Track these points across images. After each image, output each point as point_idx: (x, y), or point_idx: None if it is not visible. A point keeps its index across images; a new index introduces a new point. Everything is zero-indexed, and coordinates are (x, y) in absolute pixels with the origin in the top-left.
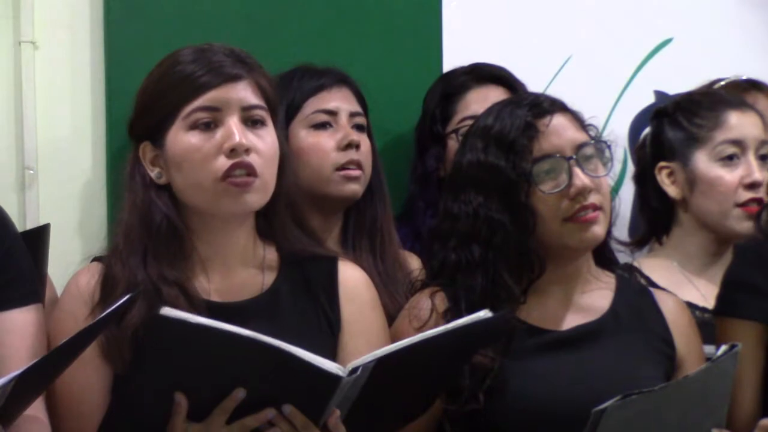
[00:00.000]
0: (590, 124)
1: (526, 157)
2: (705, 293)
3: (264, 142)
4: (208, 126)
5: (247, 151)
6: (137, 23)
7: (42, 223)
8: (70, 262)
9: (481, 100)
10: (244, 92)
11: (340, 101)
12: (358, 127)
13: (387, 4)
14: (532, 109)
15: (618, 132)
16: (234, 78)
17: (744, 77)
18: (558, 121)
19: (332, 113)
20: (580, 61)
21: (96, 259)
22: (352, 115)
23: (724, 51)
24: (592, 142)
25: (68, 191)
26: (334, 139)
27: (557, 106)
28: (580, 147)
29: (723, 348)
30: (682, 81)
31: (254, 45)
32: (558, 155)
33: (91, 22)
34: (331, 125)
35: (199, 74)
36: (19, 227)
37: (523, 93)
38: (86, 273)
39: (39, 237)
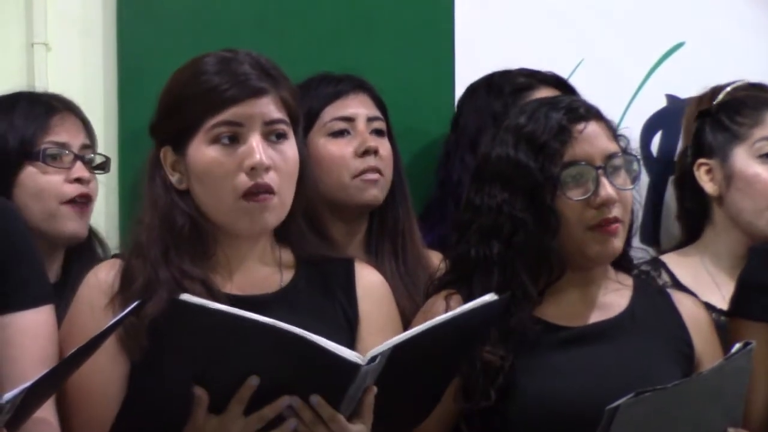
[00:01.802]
0: (621, 135)
1: (555, 161)
2: (726, 296)
3: (284, 158)
4: (230, 140)
5: (267, 169)
6: (150, 25)
7: None
8: None
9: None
10: (268, 107)
11: (357, 107)
12: (377, 132)
13: (399, 9)
14: (568, 113)
15: (630, 136)
16: (258, 93)
17: (741, 82)
18: (592, 128)
19: (350, 120)
20: (591, 64)
21: (115, 255)
22: (370, 120)
23: (736, 54)
24: (622, 154)
25: None
26: (352, 146)
27: (592, 113)
28: (609, 157)
29: (737, 346)
30: (694, 85)
31: (266, 49)
32: (587, 163)
33: (103, 23)
34: (349, 132)
35: (224, 88)
36: None
37: (559, 96)
38: (106, 266)
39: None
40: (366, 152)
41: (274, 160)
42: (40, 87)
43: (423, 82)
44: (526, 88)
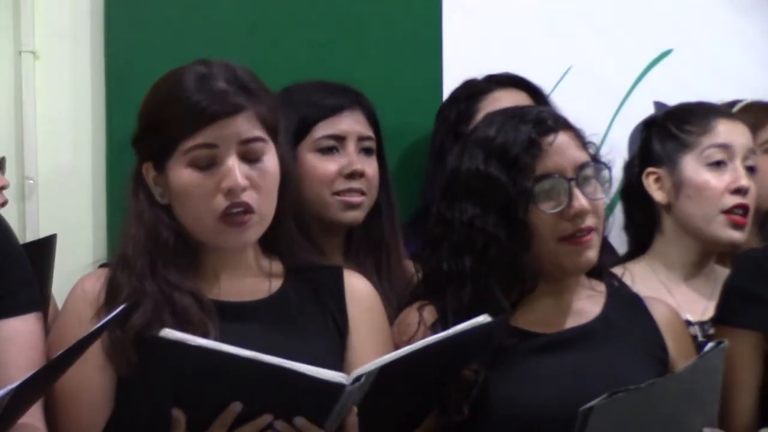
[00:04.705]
0: (590, 142)
1: (528, 175)
2: (681, 303)
3: (262, 175)
4: (207, 162)
5: (245, 189)
6: (138, 33)
7: (42, 233)
8: (71, 272)
9: (503, 99)
10: (243, 126)
11: (350, 125)
12: (367, 151)
13: (387, 16)
14: (537, 126)
15: (617, 143)
16: (233, 111)
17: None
18: (561, 139)
19: (340, 138)
20: (579, 71)
21: (103, 265)
22: (361, 139)
23: (723, 62)
24: (593, 163)
25: (68, 201)
26: (339, 165)
27: (560, 124)
28: (581, 167)
29: (710, 345)
30: (681, 92)
31: (256, 56)
32: (560, 176)
33: (91, 32)
34: (337, 150)
35: (199, 109)
36: (19, 238)
37: (526, 107)
38: (92, 277)
39: (45, 248)
40: (351, 174)
41: (253, 178)
42: (27, 95)
43: (411, 89)
44: (481, 92)
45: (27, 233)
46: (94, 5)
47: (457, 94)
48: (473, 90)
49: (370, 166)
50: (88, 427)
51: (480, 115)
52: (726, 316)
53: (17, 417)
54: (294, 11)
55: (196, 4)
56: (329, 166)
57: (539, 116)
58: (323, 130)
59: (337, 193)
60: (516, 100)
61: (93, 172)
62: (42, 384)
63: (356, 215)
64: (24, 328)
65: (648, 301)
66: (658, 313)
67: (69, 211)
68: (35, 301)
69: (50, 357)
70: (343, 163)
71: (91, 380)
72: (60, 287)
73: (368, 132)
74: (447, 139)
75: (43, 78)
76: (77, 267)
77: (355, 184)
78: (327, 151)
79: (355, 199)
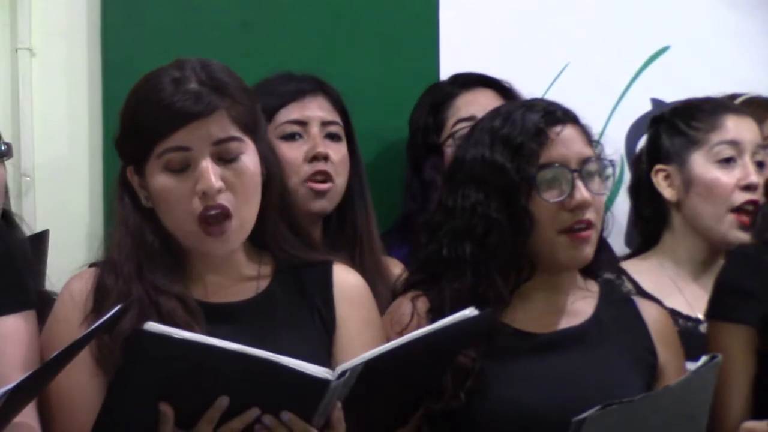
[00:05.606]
0: (596, 141)
1: (532, 162)
2: (691, 301)
3: (238, 175)
4: (182, 165)
5: (220, 191)
6: (134, 30)
7: (38, 230)
8: (67, 269)
9: (471, 102)
10: (215, 126)
11: (312, 110)
12: (332, 136)
13: (384, 13)
14: (546, 116)
15: (614, 140)
16: (205, 112)
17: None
18: (568, 132)
19: (303, 123)
20: (577, 68)
21: (93, 264)
22: (325, 124)
23: (721, 59)
24: (597, 159)
25: (65, 198)
26: (302, 151)
27: (570, 117)
28: (585, 161)
29: (704, 359)
30: (679, 89)
31: (250, 53)
32: (563, 165)
33: (88, 29)
34: (301, 135)
35: (170, 112)
36: None
37: (535, 99)
38: (79, 280)
39: (37, 243)
40: (315, 158)
41: (228, 179)
42: (24, 92)
43: (407, 86)
44: (448, 97)
45: (24, 230)
46: (90, 2)
47: (423, 101)
48: (439, 96)
49: (335, 151)
50: (82, 429)
51: (450, 123)
52: (718, 311)
53: (13, 416)
54: (289, 10)
55: (191, 1)
56: (293, 153)
57: (548, 107)
58: (285, 115)
59: (305, 180)
60: (486, 101)
61: (90, 169)
62: (37, 385)
63: (324, 204)
64: (18, 325)
65: (640, 304)
66: (650, 317)
67: (66, 208)
68: (30, 299)
69: (42, 359)
70: (307, 148)
71: (83, 384)
72: (56, 283)
73: (333, 117)
74: (420, 151)
75: (39, 75)
76: (73, 263)
77: (321, 167)
78: (290, 137)
79: (321, 186)
